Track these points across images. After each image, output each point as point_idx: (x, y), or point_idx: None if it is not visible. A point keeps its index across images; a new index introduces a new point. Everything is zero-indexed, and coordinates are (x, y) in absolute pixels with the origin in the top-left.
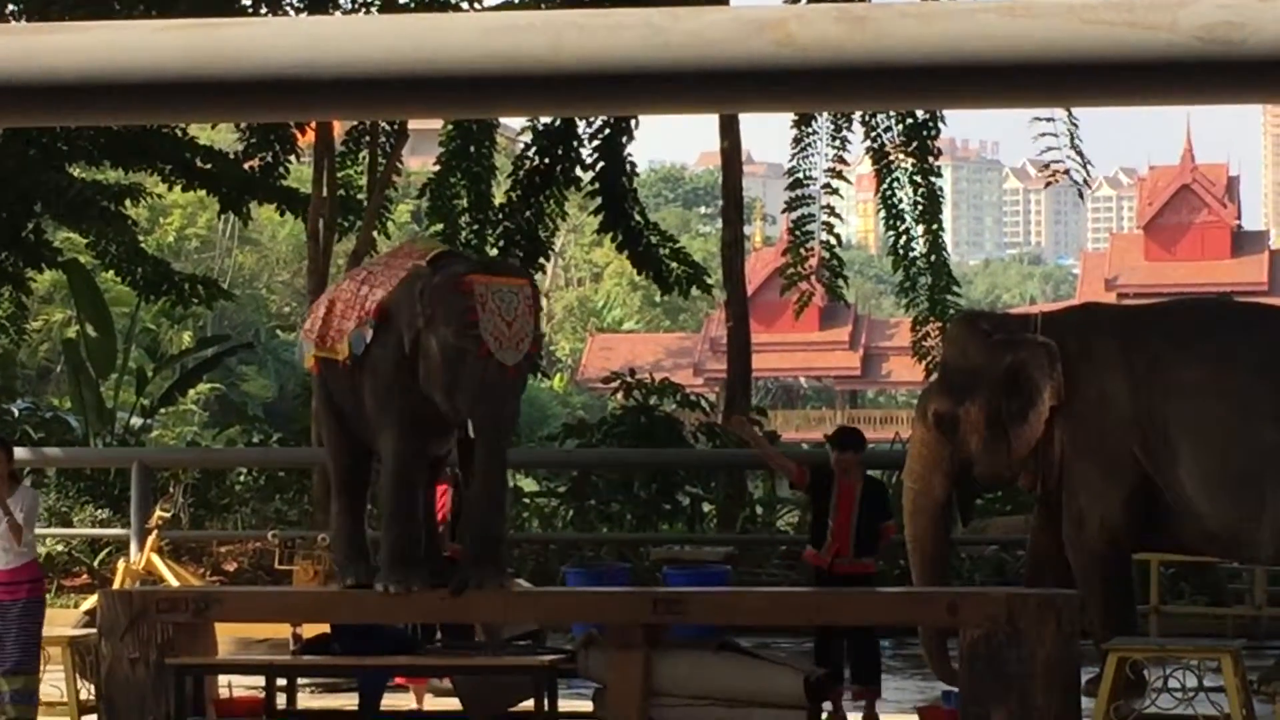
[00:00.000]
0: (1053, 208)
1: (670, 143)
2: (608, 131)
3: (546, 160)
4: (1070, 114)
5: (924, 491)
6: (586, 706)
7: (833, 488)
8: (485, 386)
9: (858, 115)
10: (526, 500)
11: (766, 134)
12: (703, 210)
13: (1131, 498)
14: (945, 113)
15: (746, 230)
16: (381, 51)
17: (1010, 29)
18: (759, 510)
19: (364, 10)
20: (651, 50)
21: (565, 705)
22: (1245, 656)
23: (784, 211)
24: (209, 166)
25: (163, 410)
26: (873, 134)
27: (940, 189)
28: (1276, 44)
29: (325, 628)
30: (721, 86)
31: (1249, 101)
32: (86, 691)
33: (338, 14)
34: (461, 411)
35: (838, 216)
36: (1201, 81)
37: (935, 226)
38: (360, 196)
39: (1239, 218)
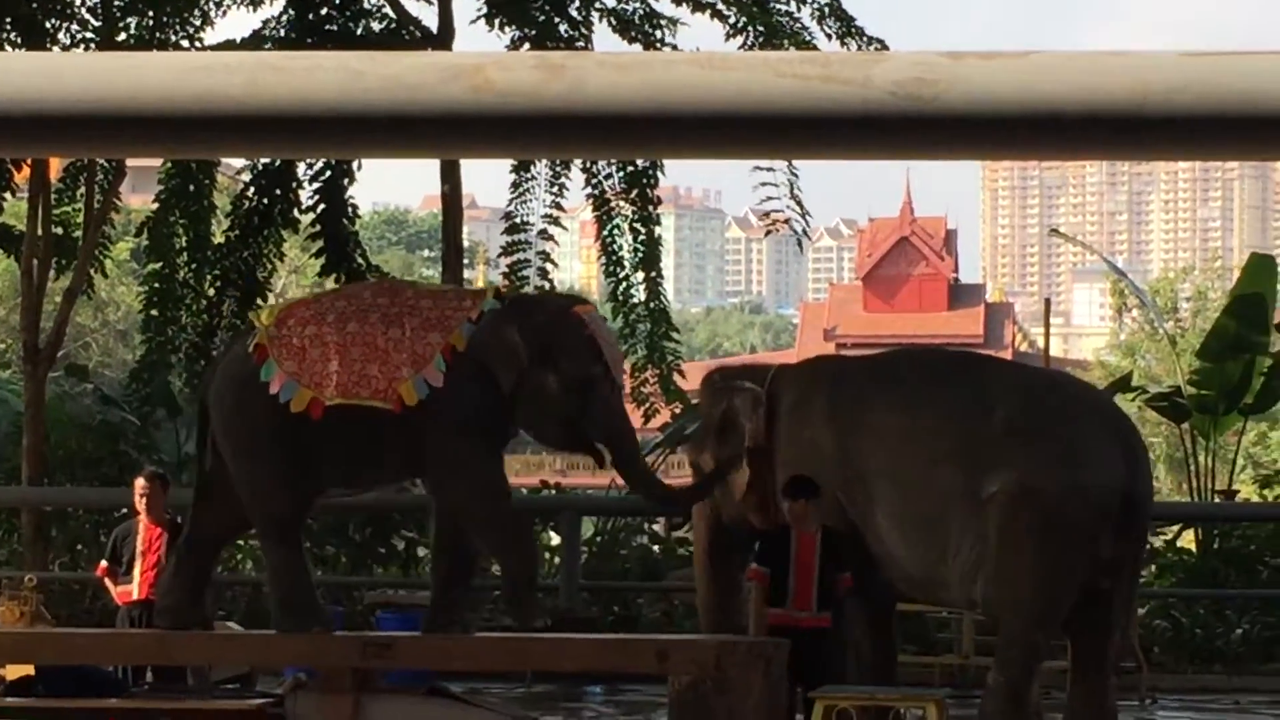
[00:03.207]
0: (774, 257)
1: (394, 185)
2: (329, 173)
3: (266, 201)
4: (790, 164)
5: (696, 539)
6: None
7: (790, 540)
8: (616, 411)
9: (578, 161)
10: (240, 542)
11: (492, 178)
12: (426, 253)
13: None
14: (667, 161)
15: (470, 274)
16: (71, 89)
17: (705, 81)
18: None
19: (82, 47)
20: (348, 94)
21: None
22: (951, 705)
23: (500, 256)
24: None
25: None
26: (593, 180)
27: (660, 236)
28: (966, 101)
29: (30, 669)
30: (418, 131)
31: (940, 158)
32: None
33: (55, 49)
34: (595, 438)
35: (553, 262)
36: (894, 137)
37: (654, 274)
38: (77, 234)
39: (956, 271)
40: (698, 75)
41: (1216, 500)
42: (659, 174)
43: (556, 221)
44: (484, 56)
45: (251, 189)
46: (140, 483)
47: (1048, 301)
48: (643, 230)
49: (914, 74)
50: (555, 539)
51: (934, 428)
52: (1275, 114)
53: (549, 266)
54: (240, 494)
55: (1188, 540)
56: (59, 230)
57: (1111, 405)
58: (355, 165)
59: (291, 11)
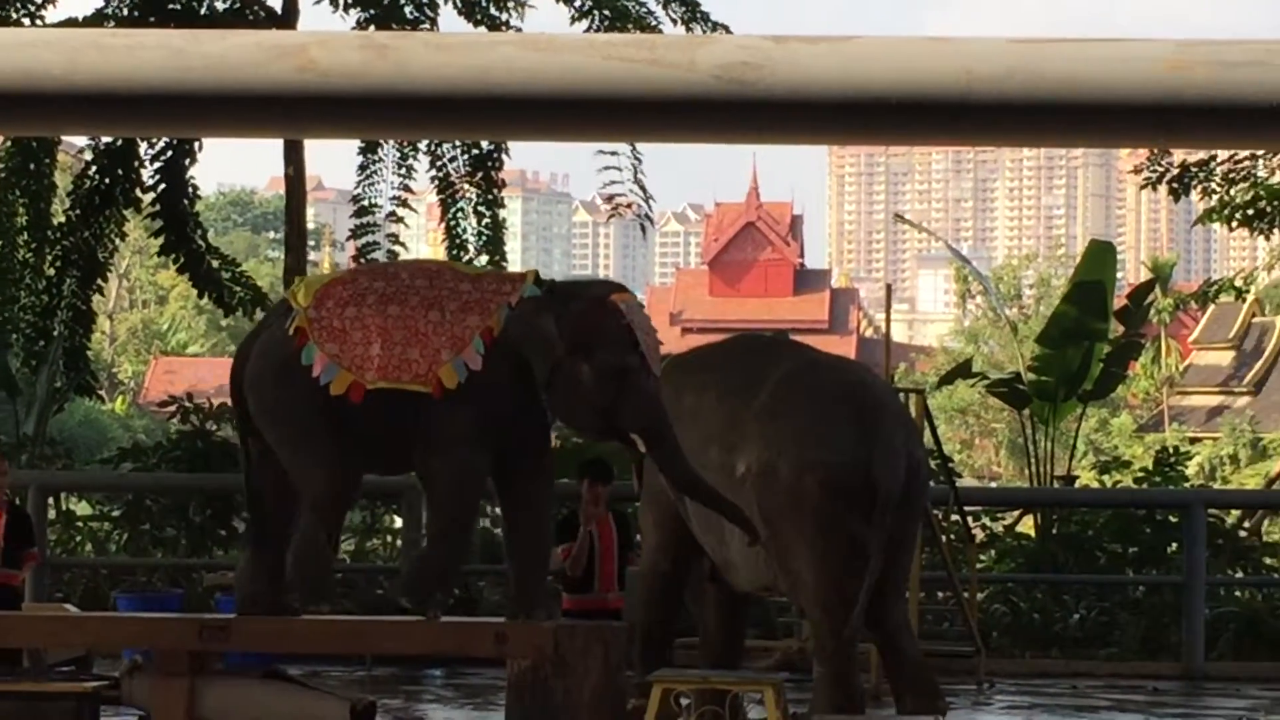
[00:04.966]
0: (621, 241)
1: (241, 166)
2: (170, 153)
3: (107, 180)
4: (634, 148)
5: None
6: None
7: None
8: (651, 401)
9: (424, 144)
10: (80, 524)
11: (339, 160)
12: (272, 235)
13: (660, 524)
14: (516, 144)
15: (315, 256)
16: None
17: (530, 62)
18: None
19: None
20: (170, 72)
21: None
22: (789, 689)
23: (349, 238)
24: None
25: None
26: (438, 163)
27: (505, 219)
28: (790, 85)
29: None
30: (242, 110)
31: (765, 142)
32: None
33: None
34: (629, 428)
35: (402, 245)
36: (719, 120)
37: (498, 257)
38: None
39: (802, 256)
40: (523, 57)
41: (1056, 486)
42: (504, 157)
43: (405, 204)
44: (309, 36)
45: (93, 168)
46: None
47: (889, 287)
48: (487, 213)
49: (739, 58)
50: (399, 521)
51: (709, 413)
52: (1099, 101)
53: (398, 249)
54: (292, 479)
55: (1027, 525)
56: None
57: (868, 391)
58: (196, 145)
59: None
